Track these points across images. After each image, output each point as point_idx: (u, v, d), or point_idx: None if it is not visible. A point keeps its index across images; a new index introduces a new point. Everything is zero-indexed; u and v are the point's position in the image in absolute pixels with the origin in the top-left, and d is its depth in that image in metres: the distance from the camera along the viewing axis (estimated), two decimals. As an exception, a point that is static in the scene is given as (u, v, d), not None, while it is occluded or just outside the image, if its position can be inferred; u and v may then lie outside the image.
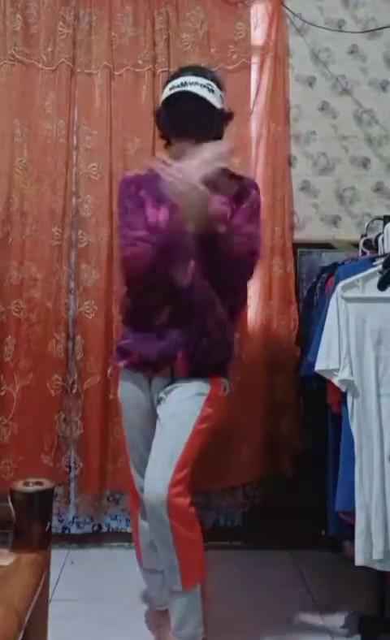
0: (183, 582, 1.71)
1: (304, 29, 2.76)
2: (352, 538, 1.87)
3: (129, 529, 2.34)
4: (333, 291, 1.98)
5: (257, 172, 2.67)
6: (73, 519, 2.70)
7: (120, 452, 2.38)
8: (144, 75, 2.64)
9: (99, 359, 2.57)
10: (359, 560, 1.85)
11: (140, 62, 2.64)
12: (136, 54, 2.64)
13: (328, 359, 1.92)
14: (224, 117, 1.86)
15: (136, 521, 1.95)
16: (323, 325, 1.98)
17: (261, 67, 2.70)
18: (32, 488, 1.10)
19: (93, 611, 2.12)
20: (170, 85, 1.81)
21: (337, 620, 2.11)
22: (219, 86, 1.83)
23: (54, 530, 1.46)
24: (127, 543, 2.53)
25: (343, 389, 1.92)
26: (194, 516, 1.71)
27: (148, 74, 2.63)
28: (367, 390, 1.90)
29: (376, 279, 1.97)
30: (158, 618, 1.96)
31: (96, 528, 2.71)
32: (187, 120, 1.78)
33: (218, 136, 1.89)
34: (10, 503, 1.09)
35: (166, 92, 1.81)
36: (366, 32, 2.77)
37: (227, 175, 1.96)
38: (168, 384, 1.82)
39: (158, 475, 1.68)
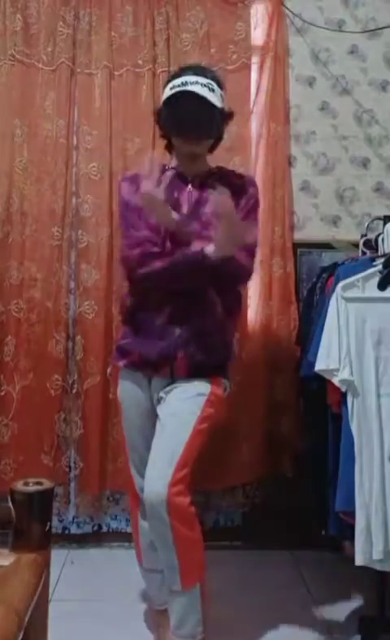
0: (182, 582, 1.71)
1: (304, 29, 2.76)
2: (352, 538, 1.87)
3: (129, 529, 2.34)
4: (333, 291, 1.98)
5: (257, 172, 2.67)
6: (73, 519, 2.70)
7: (120, 452, 2.38)
8: (144, 75, 2.64)
9: (99, 359, 2.57)
10: (359, 560, 1.85)
11: (140, 62, 2.64)
12: (136, 54, 2.64)
13: (328, 359, 1.92)
14: (225, 116, 1.86)
15: (136, 521, 1.95)
16: (323, 325, 1.98)
17: (261, 67, 2.70)
18: (32, 488, 1.10)
19: (93, 611, 2.12)
20: (170, 85, 1.81)
21: (337, 620, 2.11)
22: (220, 85, 1.83)
23: (54, 530, 1.47)
24: (127, 543, 2.53)
25: (343, 389, 1.92)
26: (194, 516, 1.71)
27: (148, 74, 2.63)
28: (367, 390, 1.90)
29: (376, 279, 1.97)
30: (157, 618, 1.96)
31: (96, 528, 2.71)
32: (188, 119, 1.78)
33: (218, 136, 1.89)
34: (10, 503, 1.09)
35: (167, 92, 1.81)
36: (366, 32, 2.77)
37: (227, 173, 1.97)
38: (168, 384, 1.82)
39: (158, 474, 1.68)
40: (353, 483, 1.87)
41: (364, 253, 2.29)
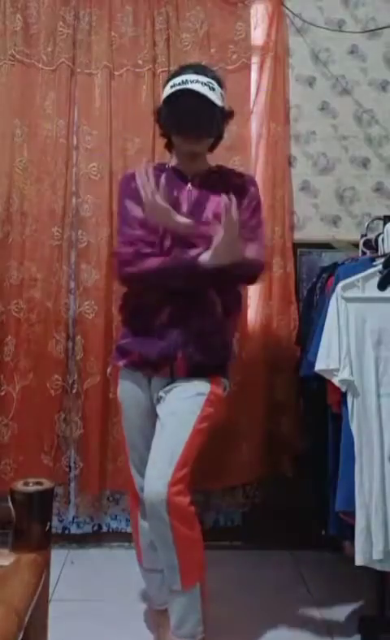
0: (182, 581, 1.71)
1: (304, 29, 2.76)
2: (352, 538, 1.87)
3: (129, 529, 2.34)
4: (333, 291, 1.98)
5: (257, 172, 2.67)
6: (73, 519, 2.70)
7: (120, 452, 2.38)
8: (144, 75, 2.63)
9: (99, 359, 2.57)
10: (359, 560, 1.85)
11: (140, 62, 2.64)
12: (136, 54, 2.64)
13: (328, 359, 1.92)
14: (225, 115, 1.86)
15: (136, 521, 1.95)
16: (323, 325, 1.98)
17: (261, 67, 2.70)
18: (32, 488, 1.10)
19: (93, 611, 2.12)
20: (171, 83, 1.81)
21: (337, 620, 2.11)
22: (220, 84, 1.83)
23: (54, 530, 1.47)
24: (127, 543, 2.53)
25: (343, 389, 1.92)
26: (194, 515, 1.71)
27: (148, 74, 2.63)
28: (367, 390, 1.90)
29: (376, 279, 1.97)
30: (157, 617, 1.96)
31: (96, 528, 2.71)
32: (188, 118, 1.78)
33: (219, 135, 1.89)
34: (10, 503, 1.09)
35: (167, 90, 1.81)
36: (366, 32, 2.77)
37: (227, 172, 1.97)
38: (168, 384, 1.82)
39: (157, 474, 1.68)
40: (353, 483, 1.87)
41: (364, 253, 2.29)
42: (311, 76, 2.77)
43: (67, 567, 2.47)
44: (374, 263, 2.02)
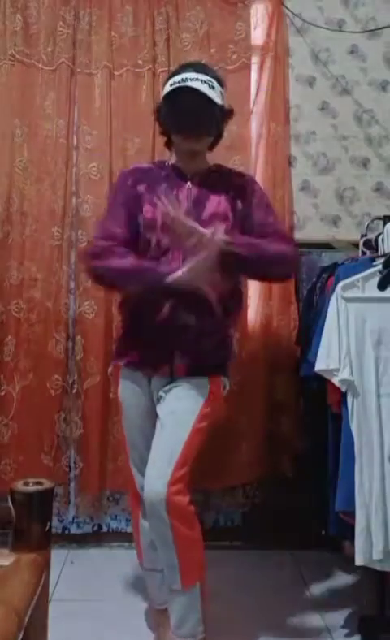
0: (182, 581, 1.71)
1: (304, 29, 2.76)
2: (352, 538, 1.87)
3: (129, 529, 2.34)
4: (333, 291, 1.98)
5: (257, 172, 2.67)
6: (73, 519, 2.70)
7: (120, 452, 2.38)
8: (144, 75, 2.64)
9: (99, 359, 2.56)
10: (359, 560, 1.85)
11: (140, 62, 2.64)
12: (136, 54, 2.64)
13: (328, 359, 1.92)
14: (225, 114, 1.86)
15: (137, 521, 1.94)
16: (323, 325, 1.98)
17: (261, 67, 2.70)
18: (32, 488, 1.10)
19: (93, 611, 2.12)
20: (170, 81, 1.81)
21: (337, 620, 2.11)
22: (220, 83, 1.82)
23: (54, 530, 1.46)
24: (127, 543, 2.53)
25: (343, 389, 1.92)
26: (194, 515, 1.71)
27: (148, 74, 2.63)
28: (367, 390, 1.91)
29: (376, 279, 1.98)
30: (157, 617, 1.96)
31: (96, 528, 2.71)
32: (188, 116, 1.78)
33: (218, 134, 1.89)
34: (10, 503, 1.09)
35: (167, 89, 1.81)
36: (366, 32, 2.77)
37: (227, 172, 1.97)
38: (168, 383, 1.82)
39: (157, 473, 1.68)
40: (353, 483, 1.87)
41: (364, 253, 2.29)
42: (311, 76, 2.77)
43: (67, 567, 2.46)
44: (374, 263, 2.03)
